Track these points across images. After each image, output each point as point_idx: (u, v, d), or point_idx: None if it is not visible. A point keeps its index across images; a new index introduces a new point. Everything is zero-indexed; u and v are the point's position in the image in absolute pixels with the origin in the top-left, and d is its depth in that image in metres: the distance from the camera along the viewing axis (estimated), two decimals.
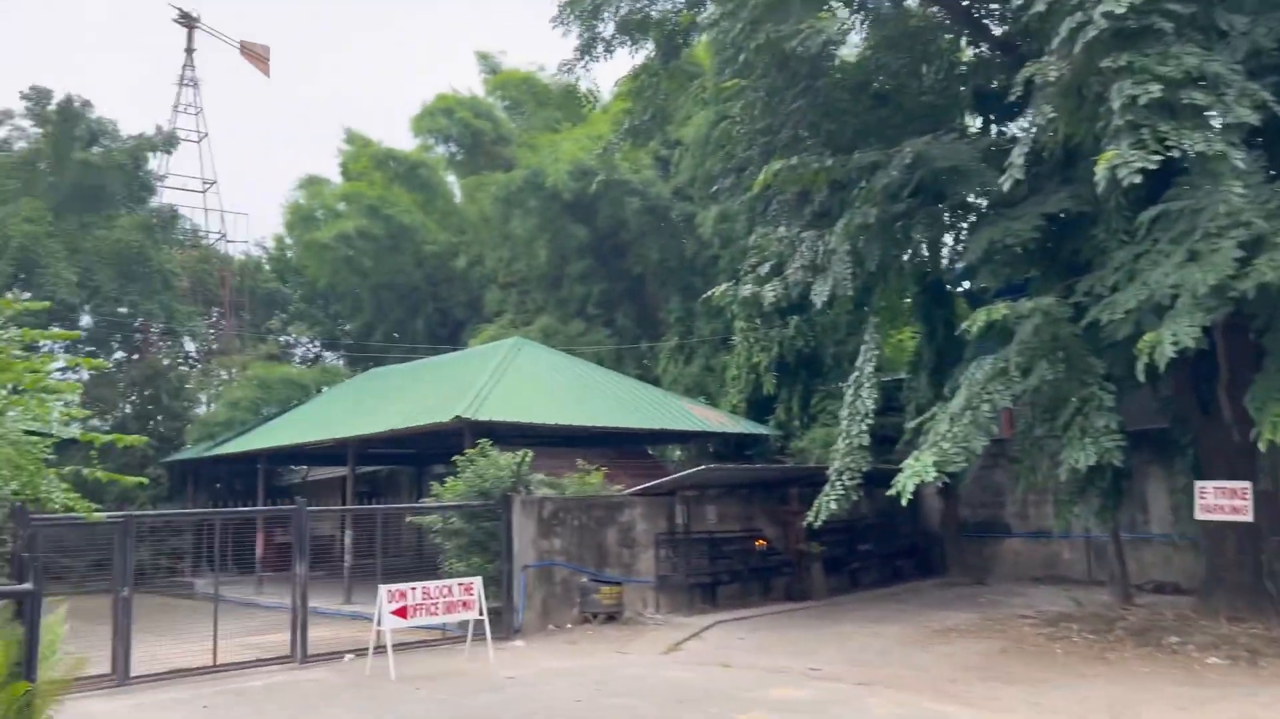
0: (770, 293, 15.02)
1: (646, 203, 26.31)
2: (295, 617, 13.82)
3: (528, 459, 16.92)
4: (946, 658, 12.96)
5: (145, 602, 13.53)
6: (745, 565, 19.02)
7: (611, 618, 16.70)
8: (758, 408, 24.09)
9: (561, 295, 31.07)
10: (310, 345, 41.52)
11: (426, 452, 29.01)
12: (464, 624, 14.03)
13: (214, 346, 37.47)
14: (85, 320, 32.19)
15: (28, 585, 7.07)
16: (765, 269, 16.90)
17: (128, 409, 31.66)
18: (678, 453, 29.43)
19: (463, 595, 13.47)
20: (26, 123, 33.00)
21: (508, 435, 18.21)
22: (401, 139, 34.79)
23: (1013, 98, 12.78)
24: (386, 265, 36.20)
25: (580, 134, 27.53)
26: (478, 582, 13.74)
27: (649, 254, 27.85)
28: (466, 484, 16.61)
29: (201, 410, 33.46)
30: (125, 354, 34.15)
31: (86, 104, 32.63)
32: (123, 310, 32.17)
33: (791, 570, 19.81)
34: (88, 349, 31.42)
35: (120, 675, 12.06)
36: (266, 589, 23.24)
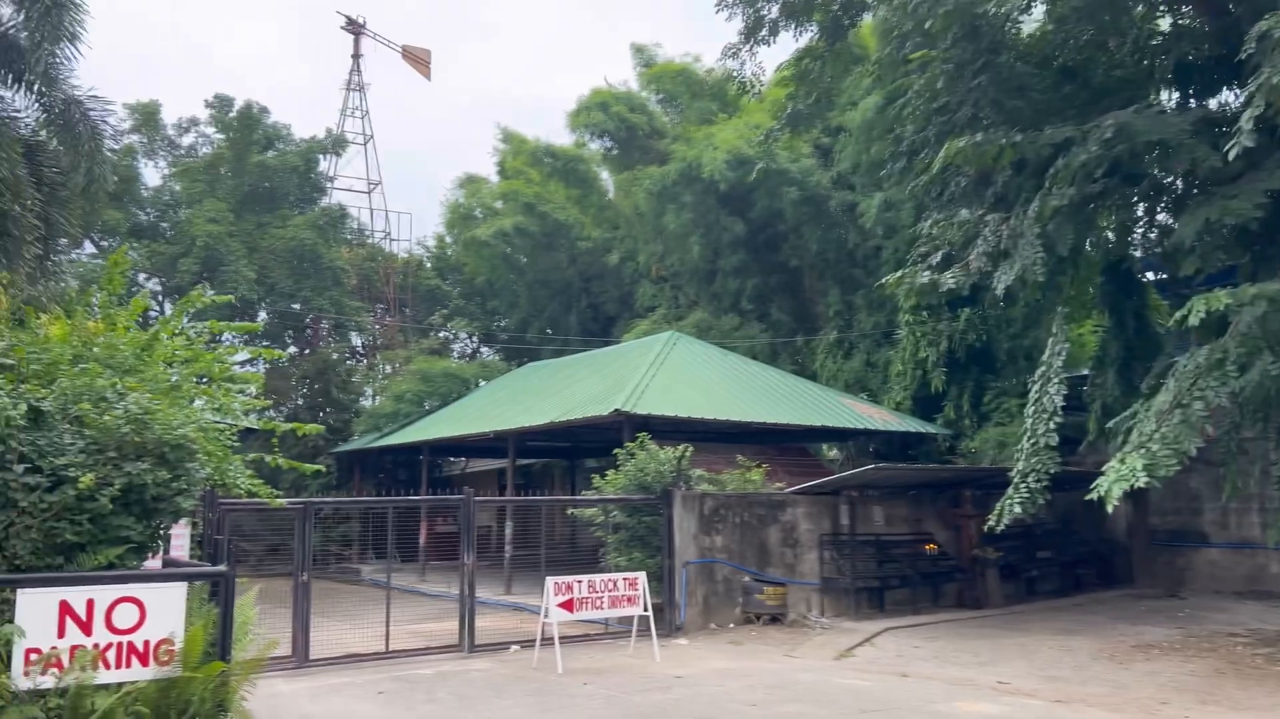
0: (950, 279, 14.13)
1: (805, 192, 25.47)
2: (463, 607, 13.90)
3: (688, 454, 16.60)
4: (1151, 677, 11.83)
5: (316, 586, 13.88)
6: (914, 570, 18.11)
7: (775, 619, 16.19)
8: (924, 405, 22.97)
9: (715, 289, 30.60)
10: (468, 340, 42.56)
11: (580, 445, 29.15)
12: (625, 619, 13.86)
13: (378, 341, 38.83)
14: (261, 315, 33.89)
15: (222, 567, 7.13)
16: (937, 258, 15.99)
17: (300, 401, 33.12)
18: (833, 451, 28.53)
19: (627, 590, 13.23)
20: (210, 129, 35.09)
21: (662, 430, 17.88)
22: (557, 137, 35.17)
23: (1242, 56, 11.47)
24: (541, 262, 36.65)
25: (738, 124, 26.97)
26: (642, 577, 13.47)
27: (806, 246, 27.02)
28: (627, 477, 16.41)
29: (367, 403, 34.73)
30: (297, 348, 35.79)
31: (264, 110, 34.41)
32: (295, 306, 33.70)
33: (964, 576, 18.77)
34: (263, 343, 33.05)
35: (299, 657, 12.36)
36: (429, 577, 23.81)
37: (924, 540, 18.75)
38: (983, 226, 14.12)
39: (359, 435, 31.20)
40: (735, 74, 18.09)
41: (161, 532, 7.37)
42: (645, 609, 13.23)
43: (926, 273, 14.62)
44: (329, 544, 28.12)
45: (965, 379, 22.28)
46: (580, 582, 12.89)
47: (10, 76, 13.96)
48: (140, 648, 6.57)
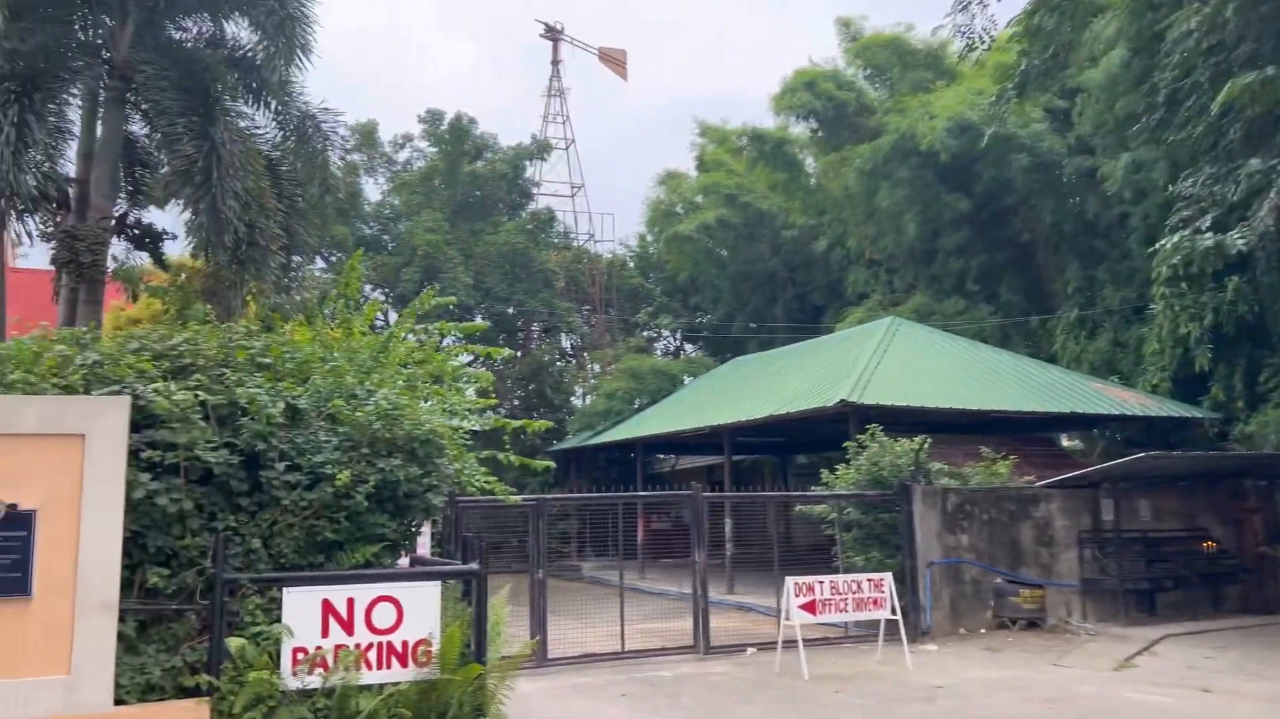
0: (1239, 240, 12.32)
1: (1036, 159, 23.36)
2: (696, 607, 13.41)
3: (927, 445, 15.45)
4: None
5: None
6: (1190, 570, 16.16)
7: (1032, 624, 14.81)
8: (1185, 388, 20.55)
9: (934, 271, 28.83)
10: (671, 338, 42.39)
11: (793, 440, 28.23)
12: (864, 623, 13.01)
13: (587, 341, 39.28)
14: (478, 319, 34.95)
15: (474, 565, 6.86)
16: (1206, 220, 14.08)
17: (516, 402, 33.88)
18: (1073, 441, 26.25)
19: (872, 592, 12.33)
20: (424, 144, 36.56)
21: (887, 421, 16.72)
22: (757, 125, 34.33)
23: None
24: (744, 254, 35.93)
25: (958, 90, 25.17)
26: (888, 578, 12.53)
27: (1039, 218, 24.86)
28: (859, 472, 15.46)
29: (577, 402, 35.15)
30: (511, 350, 36.70)
31: (472, 121, 35.48)
32: (509, 310, 34.53)
33: (1249, 577, 16.64)
34: (479, 344, 33.97)
35: (539, 657, 12.20)
36: (648, 574, 23.60)
37: (1199, 537, 16.72)
38: (1275, 177, 12.22)
39: (573, 434, 31.55)
40: (964, 30, 16.73)
41: (414, 529, 7.21)
42: (893, 612, 12.29)
43: (1209, 235, 12.80)
44: (550, 541, 28.48)
45: (1236, 356, 19.72)
46: (822, 582, 12.11)
47: (250, 96, 14.66)
48: (399, 648, 6.39)
